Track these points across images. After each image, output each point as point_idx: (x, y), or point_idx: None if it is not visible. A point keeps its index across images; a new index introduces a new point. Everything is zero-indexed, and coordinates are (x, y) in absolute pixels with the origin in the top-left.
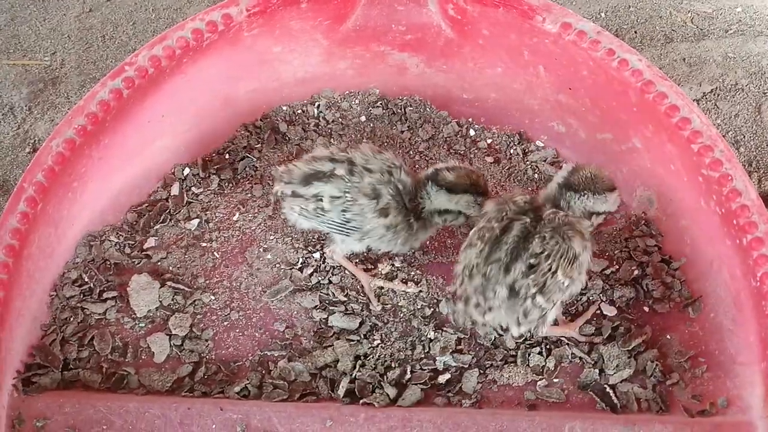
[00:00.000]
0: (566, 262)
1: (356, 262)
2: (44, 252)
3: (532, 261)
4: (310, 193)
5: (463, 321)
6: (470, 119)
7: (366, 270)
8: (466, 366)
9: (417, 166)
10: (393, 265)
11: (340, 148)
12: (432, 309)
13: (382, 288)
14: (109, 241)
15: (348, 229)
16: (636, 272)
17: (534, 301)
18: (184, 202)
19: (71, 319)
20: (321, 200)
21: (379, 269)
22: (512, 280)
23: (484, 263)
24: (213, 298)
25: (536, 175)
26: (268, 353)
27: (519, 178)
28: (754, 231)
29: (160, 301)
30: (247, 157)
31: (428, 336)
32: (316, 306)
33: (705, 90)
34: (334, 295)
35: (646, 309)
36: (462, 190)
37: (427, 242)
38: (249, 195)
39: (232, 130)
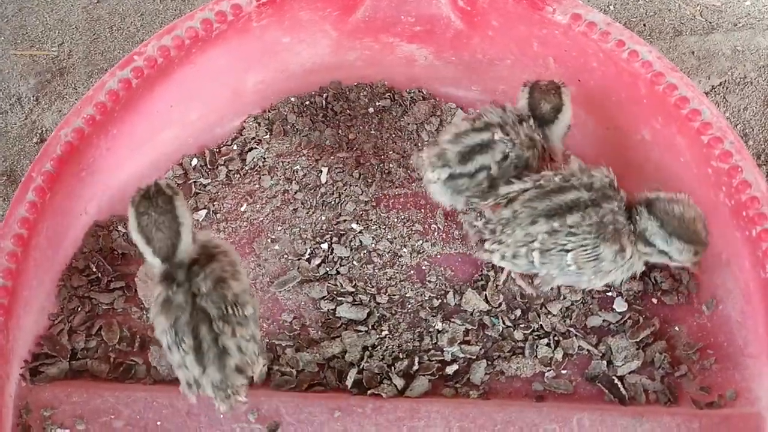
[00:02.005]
0: (585, 254)
1: None
2: (52, 242)
3: (556, 225)
4: (472, 168)
5: (468, 228)
6: (477, 111)
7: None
8: (474, 357)
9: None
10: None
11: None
12: (440, 300)
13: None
14: (117, 231)
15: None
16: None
17: (530, 255)
18: (192, 192)
19: (79, 308)
20: (489, 170)
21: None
22: (532, 231)
23: (522, 204)
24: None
25: None
26: (276, 342)
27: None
28: (764, 222)
29: None
30: (255, 148)
31: (436, 327)
32: (324, 297)
33: (714, 83)
34: (342, 285)
35: (654, 301)
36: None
37: (435, 233)
38: (257, 186)
39: (240, 121)
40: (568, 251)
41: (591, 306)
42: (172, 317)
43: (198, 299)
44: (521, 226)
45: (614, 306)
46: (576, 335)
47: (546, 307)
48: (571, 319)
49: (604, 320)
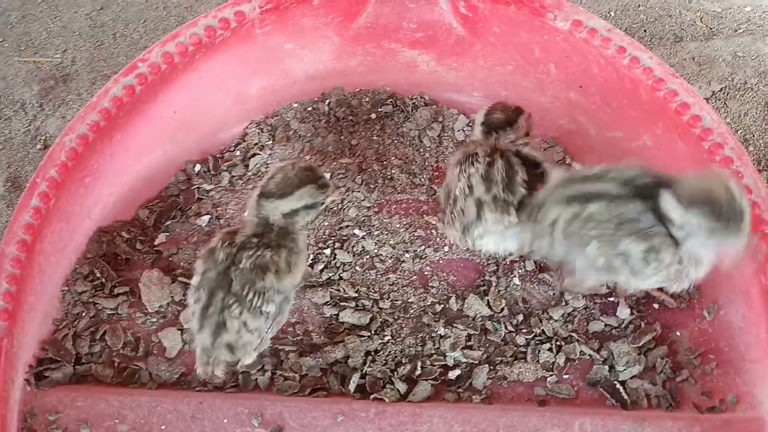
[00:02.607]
0: (607, 247)
1: None
2: (56, 247)
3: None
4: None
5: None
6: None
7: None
8: (477, 362)
9: (426, 164)
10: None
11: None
12: (443, 305)
13: None
14: (121, 236)
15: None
16: None
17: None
18: (195, 198)
19: (83, 314)
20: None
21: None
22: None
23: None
24: None
25: None
26: (279, 347)
27: None
28: (765, 228)
29: (172, 297)
30: (258, 153)
31: (438, 332)
32: (327, 302)
33: (714, 89)
34: (345, 291)
35: (656, 306)
36: None
37: (437, 239)
38: None
39: (243, 127)
40: (591, 239)
41: (593, 311)
42: (205, 267)
43: (232, 268)
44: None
45: (617, 313)
46: (578, 340)
47: (548, 313)
48: (573, 324)
49: (606, 325)
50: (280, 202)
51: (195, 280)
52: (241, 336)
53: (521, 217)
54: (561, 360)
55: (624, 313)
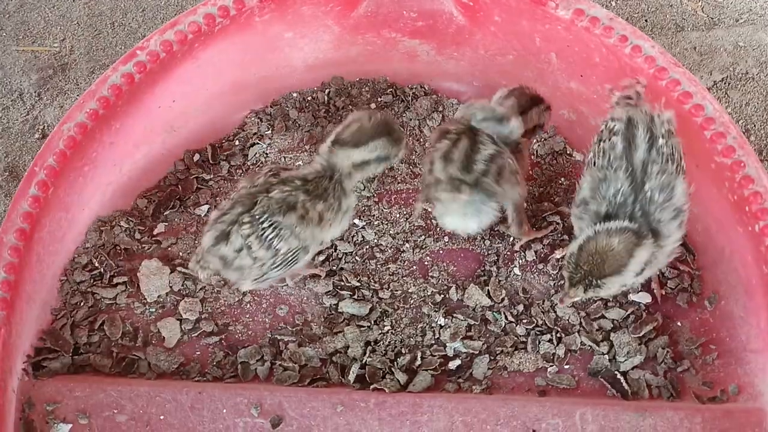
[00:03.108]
0: None
1: None
2: (55, 236)
3: None
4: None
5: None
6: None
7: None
8: (477, 352)
9: (426, 154)
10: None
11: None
12: (442, 295)
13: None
14: (120, 226)
15: None
16: None
17: None
18: (194, 188)
19: (81, 303)
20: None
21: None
22: None
23: None
24: (223, 283)
25: (544, 163)
26: (278, 337)
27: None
28: (767, 218)
29: (171, 287)
30: (257, 143)
31: (438, 322)
32: (327, 292)
33: (716, 79)
34: (346, 280)
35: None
36: None
37: (437, 228)
38: None
39: (242, 117)
40: None
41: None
42: (244, 184)
43: (263, 193)
44: None
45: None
46: (579, 330)
47: (551, 302)
48: (584, 311)
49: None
50: (353, 151)
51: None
52: (240, 257)
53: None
54: (561, 351)
55: (643, 297)
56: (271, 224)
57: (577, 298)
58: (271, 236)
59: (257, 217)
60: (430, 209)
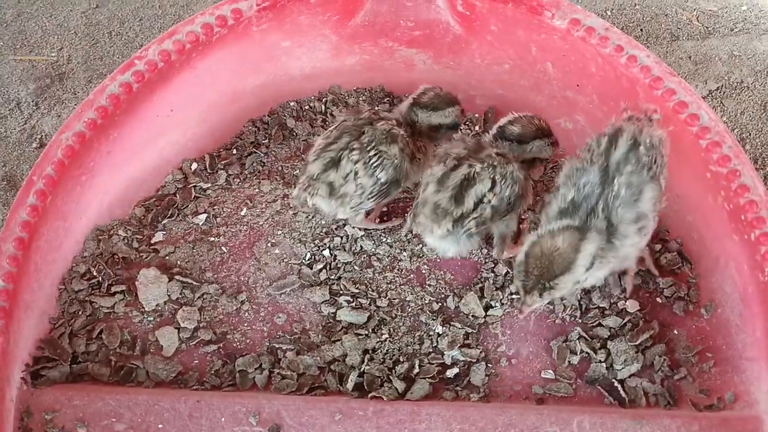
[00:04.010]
0: None
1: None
2: (53, 245)
3: None
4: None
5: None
6: (476, 116)
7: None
8: (474, 360)
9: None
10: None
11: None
12: (440, 304)
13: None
14: (118, 235)
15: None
16: (642, 268)
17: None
18: (192, 197)
19: (80, 312)
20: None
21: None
22: None
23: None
24: (221, 291)
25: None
26: (276, 345)
27: None
28: (763, 226)
29: (169, 295)
30: (255, 152)
31: (436, 330)
32: (325, 300)
33: (711, 88)
34: (345, 288)
35: (653, 304)
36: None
37: None
38: (257, 190)
39: (239, 126)
40: None
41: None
42: (344, 117)
43: (367, 127)
44: None
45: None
46: (578, 338)
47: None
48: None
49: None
50: (433, 114)
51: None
52: (347, 182)
53: (456, 228)
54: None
55: (632, 305)
56: (377, 153)
57: (535, 305)
58: (376, 164)
59: (365, 145)
60: None
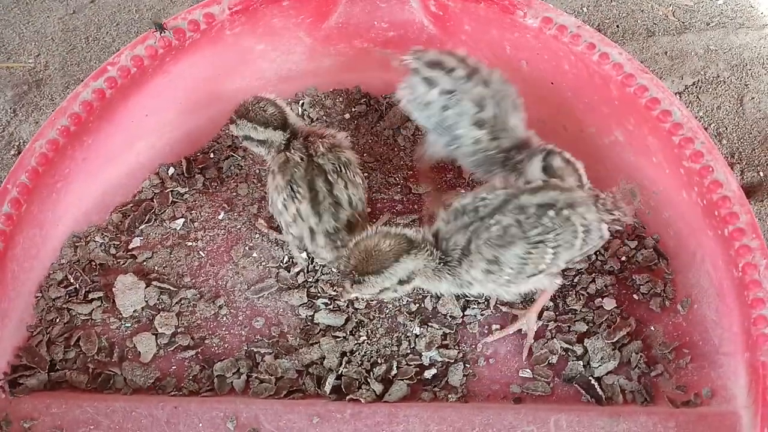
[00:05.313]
0: None
1: None
2: (29, 253)
3: None
4: (427, 75)
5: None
6: None
7: None
8: (452, 360)
9: (401, 162)
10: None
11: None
12: (418, 305)
13: None
14: (94, 241)
15: (443, 128)
16: (618, 265)
17: None
18: (169, 201)
19: (57, 320)
20: (434, 88)
21: None
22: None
23: None
24: (199, 296)
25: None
26: (255, 349)
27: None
28: (736, 222)
29: (146, 301)
30: (232, 156)
31: (414, 332)
32: (303, 303)
33: (687, 83)
34: (323, 290)
35: (630, 301)
36: None
37: None
38: (234, 194)
39: (216, 129)
40: None
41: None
42: (289, 174)
43: (314, 157)
44: None
45: (603, 305)
46: (554, 337)
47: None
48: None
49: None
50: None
51: (283, 197)
52: (354, 206)
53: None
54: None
55: (609, 303)
56: (341, 166)
57: (352, 295)
58: (351, 176)
59: (336, 171)
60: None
